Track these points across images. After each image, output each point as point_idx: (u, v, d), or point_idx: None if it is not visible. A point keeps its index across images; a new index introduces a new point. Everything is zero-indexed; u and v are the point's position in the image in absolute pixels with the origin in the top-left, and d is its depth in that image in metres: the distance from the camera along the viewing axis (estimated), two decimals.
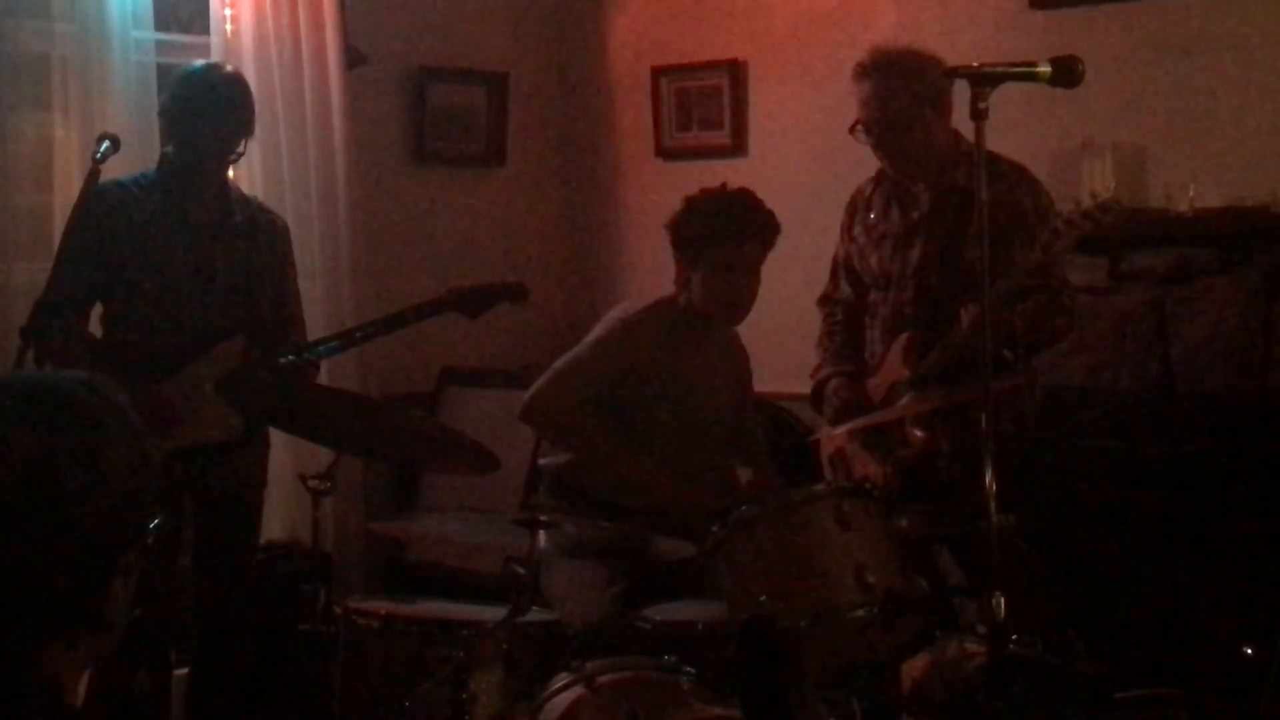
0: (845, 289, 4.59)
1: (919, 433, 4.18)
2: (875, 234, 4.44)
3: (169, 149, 4.38)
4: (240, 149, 4.41)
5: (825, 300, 4.69)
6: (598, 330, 4.39)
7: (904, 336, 4.28)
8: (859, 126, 4.26)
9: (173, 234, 4.35)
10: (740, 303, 4.32)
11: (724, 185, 4.40)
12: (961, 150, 4.24)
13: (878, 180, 4.48)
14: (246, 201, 4.58)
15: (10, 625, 1.67)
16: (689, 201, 4.36)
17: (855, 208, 4.55)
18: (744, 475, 4.48)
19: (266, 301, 4.47)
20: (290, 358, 4.31)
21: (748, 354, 4.63)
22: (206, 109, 4.30)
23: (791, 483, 4.36)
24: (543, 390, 4.28)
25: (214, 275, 4.38)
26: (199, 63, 4.56)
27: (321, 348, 4.42)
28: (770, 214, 4.30)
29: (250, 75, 5.36)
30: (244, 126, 4.40)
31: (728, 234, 4.24)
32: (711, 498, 4.19)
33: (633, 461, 4.24)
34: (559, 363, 4.33)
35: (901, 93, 4.19)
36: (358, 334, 4.47)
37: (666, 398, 4.31)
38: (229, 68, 4.64)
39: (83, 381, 1.77)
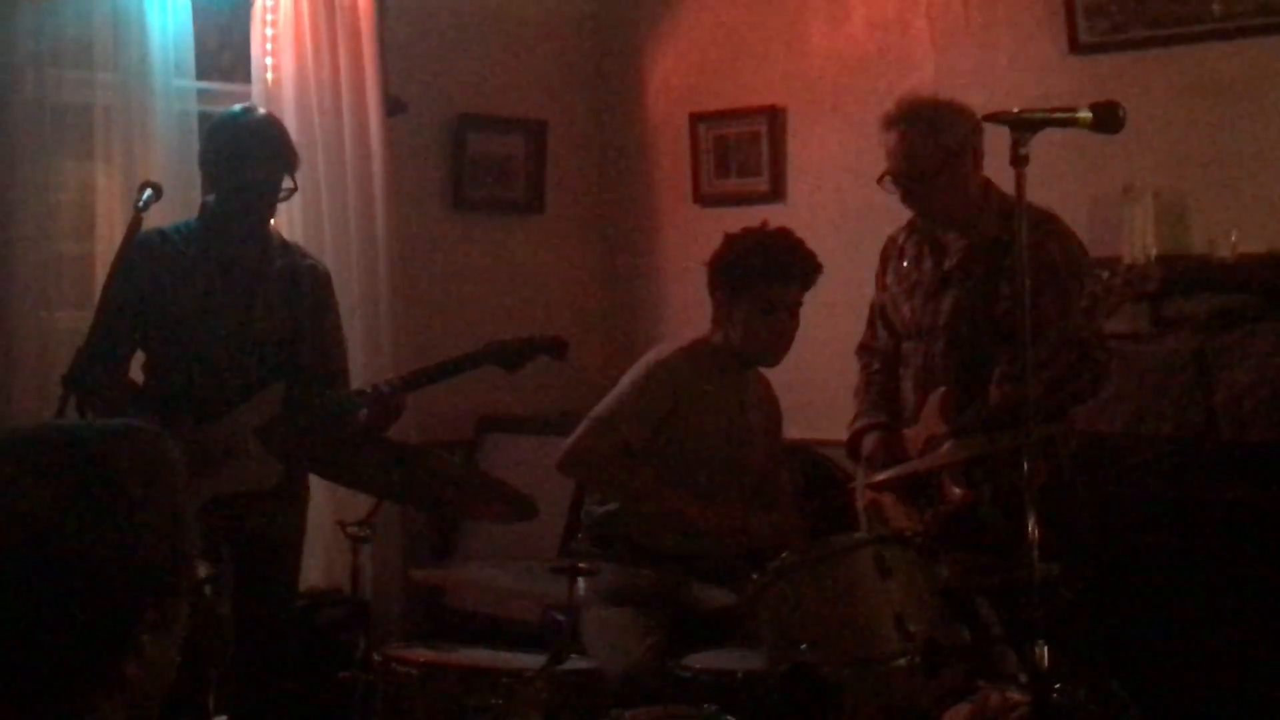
0: (883, 336, 4.56)
1: (957, 490, 4.13)
2: (907, 283, 4.42)
3: (210, 198, 4.40)
4: (292, 185, 4.41)
5: (863, 349, 4.65)
6: (632, 374, 4.38)
7: (940, 391, 4.23)
8: (886, 177, 4.26)
9: (213, 282, 4.36)
10: (781, 343, 4.33)
11: (765, 223, 4.41)
12: (991, 200, 4.23)
13: (910, 228, 4.46)
14: (287, 248, 4.59)
15: (28, 682, 1.65)
16: (732, 240, 4.37)
17: (888, 256, 4.54)
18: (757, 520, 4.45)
19: (308, 349, 4.48)
20: (337, 406, 4.32)
21: (779, 401, 4.62)
22: (249, 156, 4.31)
23: (829, 531, 4.33)
24: (580, 440, 4.28)
25: (254, 322, 4.39)
26: (234, 108, 4.54)
27: (362, 399, 4.41)
28: (813, 254, 4.33)
29: (291, 123, 5.39)
30: (288, 165, 4.40)
31: (773, 275, 4.26)
32: (750, 526, 4.20)
33: (672, 497, 4.24)
34: (595, 411, 4.32)
35: (927, 144, 4.18)
36: (397, 387, 4.46)
37: (703, 438, 4.31)
38: (261, 111, 4.64)
39: (120, 435, 1.74)
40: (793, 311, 4.32)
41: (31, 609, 1.63)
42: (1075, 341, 3.93)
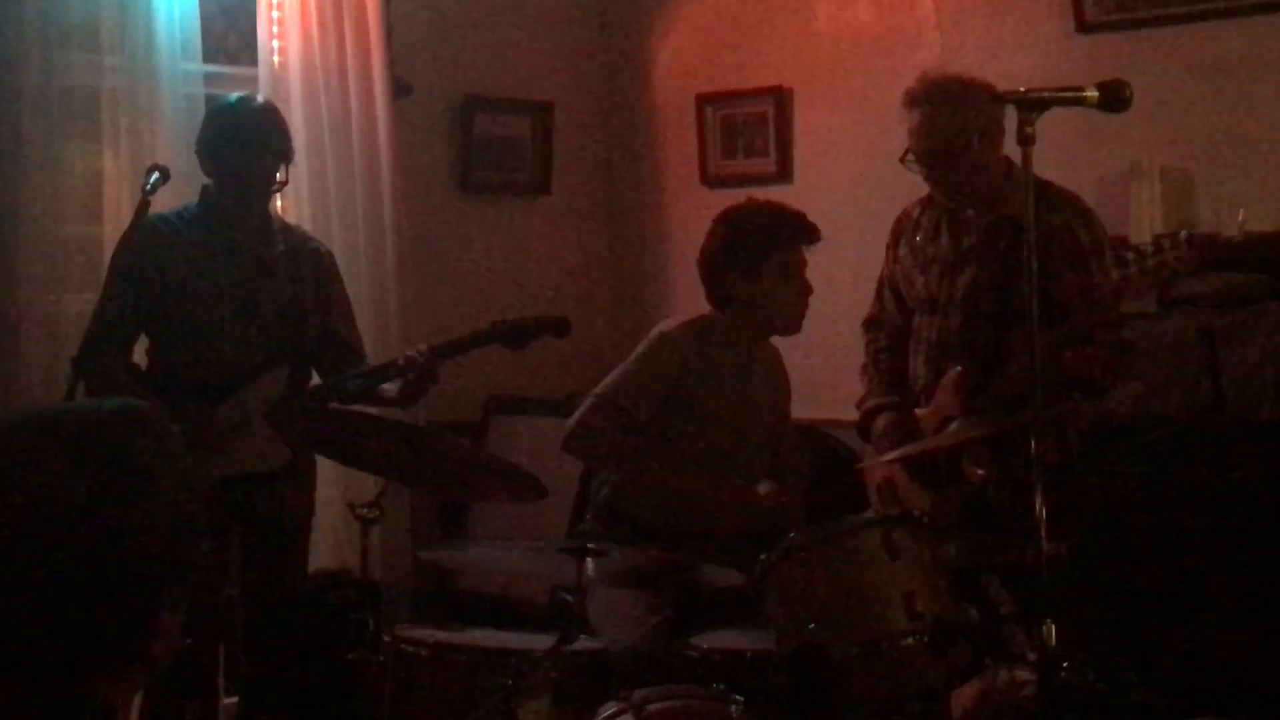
0: (891, 309, 4.56)
1: (979, 470, 4.12)
2: (923, 257, 4.40)
3: (210, 182, 4.41)
4: (284, 178, 4.43)
5: (870, 322, 4.65)
6: (640, 348, 4.38)
7: (955, 371, 4.22)
8: (909, 155, 4.23)
9: (216, 265, 4.36)
10: (805, 305, 4.37)
11: (751, 198, 4.43)
12: (1014, 178, 4.20)
13: (927, 203, 4.44)
14: (290, 231, 4.60)
15: (58, 664, 1.67)
16: (734, 218, 4.38)
17: (901, 229, 4.52)
18: (763, 487, 4.44)
19: (312, 330, 4.49)
20: (351, 383, 4.33)
21: (787, 374, 4.62)
22: (246, 144, 4.32)
23: (839, 511, 4.33)
24: (583, 418, 4.28)
25: (257, 305, 4.40)
26: (231, 97, 4.55)
27: (367, 379, 4.42)
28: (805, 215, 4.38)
29: (297, 106, 5.41)
30: (284, 156, 4.42)
31: (792, 239, 4.30)
32: (752, 499, 4.21)
33: (675, 477, 4.25)
34: (599, 388, 4.32)
35: (951, 121, 4.14)
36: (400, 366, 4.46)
37: (708, 412, 4.31)
38: (258, 100, 4.65)
39: (129, 415, 1.75)
40: (805, 272, 4.36)
41: (65, 593, 1.65)
42: (1115, 321, 3.94)
